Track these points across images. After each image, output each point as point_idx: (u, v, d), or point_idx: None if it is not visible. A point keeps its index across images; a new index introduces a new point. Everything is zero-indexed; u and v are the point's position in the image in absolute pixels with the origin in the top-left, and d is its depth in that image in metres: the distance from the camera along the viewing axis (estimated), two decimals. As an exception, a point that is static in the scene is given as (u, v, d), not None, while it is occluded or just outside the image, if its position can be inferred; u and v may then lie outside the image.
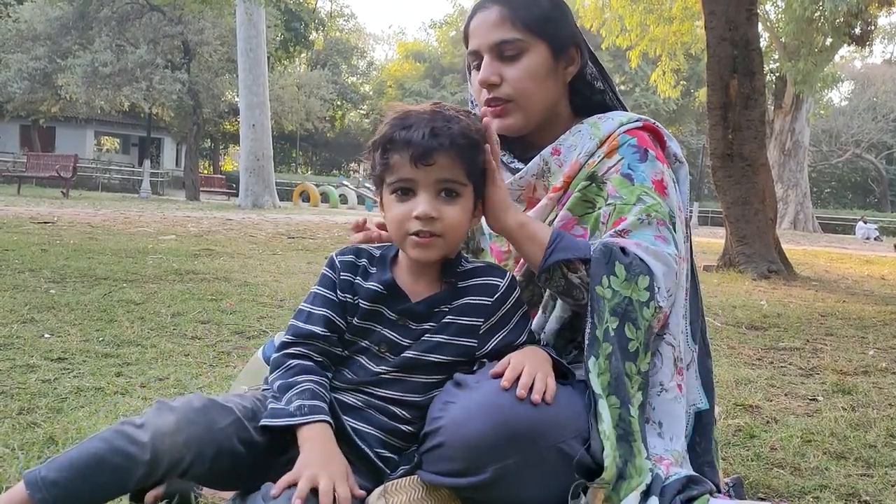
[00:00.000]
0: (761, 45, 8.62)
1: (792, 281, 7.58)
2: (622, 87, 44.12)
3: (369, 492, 1.34)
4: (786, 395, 2.81)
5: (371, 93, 50.39)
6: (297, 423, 1.30)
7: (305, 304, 1.45)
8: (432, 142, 1.31)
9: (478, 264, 1.49)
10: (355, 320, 1.44)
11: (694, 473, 1.39)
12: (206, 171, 36.91)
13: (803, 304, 5.67)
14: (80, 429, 1.82)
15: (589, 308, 1.37)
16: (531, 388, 1.29)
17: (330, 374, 1.44)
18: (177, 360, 2.74)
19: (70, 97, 24.28)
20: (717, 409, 1.66)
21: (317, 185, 28.37)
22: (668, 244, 1.42)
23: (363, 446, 1.38)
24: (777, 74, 22.91)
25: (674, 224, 1.47)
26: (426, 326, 1.42)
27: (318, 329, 1.41)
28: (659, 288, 1.38)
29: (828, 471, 1.93)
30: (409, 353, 1.41)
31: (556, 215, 1.53)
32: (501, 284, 1.44)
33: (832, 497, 1.75)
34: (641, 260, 1.38)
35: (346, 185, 30.04)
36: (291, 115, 30.29)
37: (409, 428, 1.43)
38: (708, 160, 9.34)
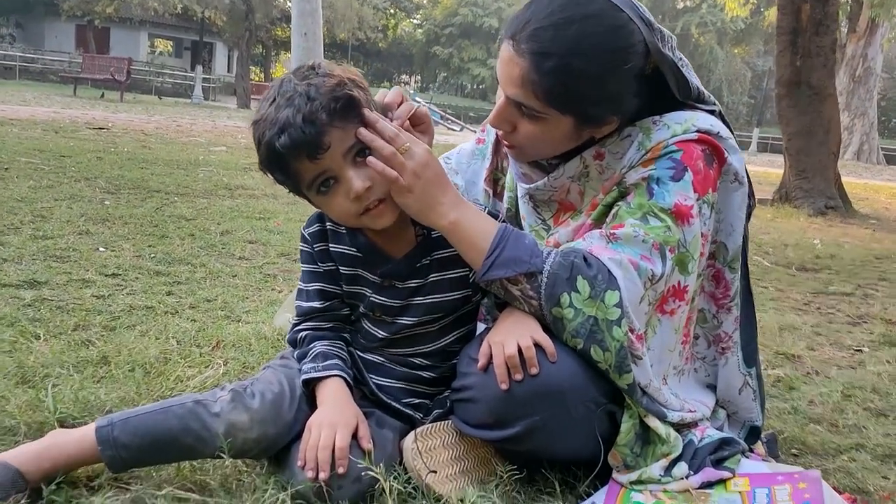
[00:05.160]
0: (839, -35, 8.11)
1: (849, 218, 7.36)
2: (688, 3, 42.14)
3: (405, 435, 1.39)
4: (831, 344, 2.77)
5: (425, 1, 49.18)
6: (308, 378, 1.36)
7: (301, 284, 1.47)
8: (312, 129, 1.19)
9: None
10: (343, 286, 1.44)
11: (728, 435, 1.39)
12: (257, 79, 36.86)
13: (859, 245, 5.52)
14: (131, 351, 1.89)
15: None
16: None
17: (346, 334, 1.48)
18: (224, 281, 2.81)
19: (125, -3, 24.24)
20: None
21: (367, 96, 28.07)
22: (652, 265, 1.26)
23: (389, 400, 1.42)
24: (853, -4, 21.57)
25: (685, 255, 1.30)
26: (412, 284, 1.41)
27: (315, 303, 1.44)
28: (627, 309, 1.23)
29: (866, 429, 1.91)
30: (405, 320, 1.42)
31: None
32: None
33: (868, 458, 1.74)
34: (609, 273, 1.23)
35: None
36: (344, 24, 29.83)
37: (431, 374, 1.46)
38: (773, 84, 8.98)
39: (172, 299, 2.49)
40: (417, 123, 1.42)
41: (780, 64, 7.73)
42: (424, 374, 1.46)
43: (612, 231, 1.29)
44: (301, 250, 1.47)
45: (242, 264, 3.12)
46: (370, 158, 1.25)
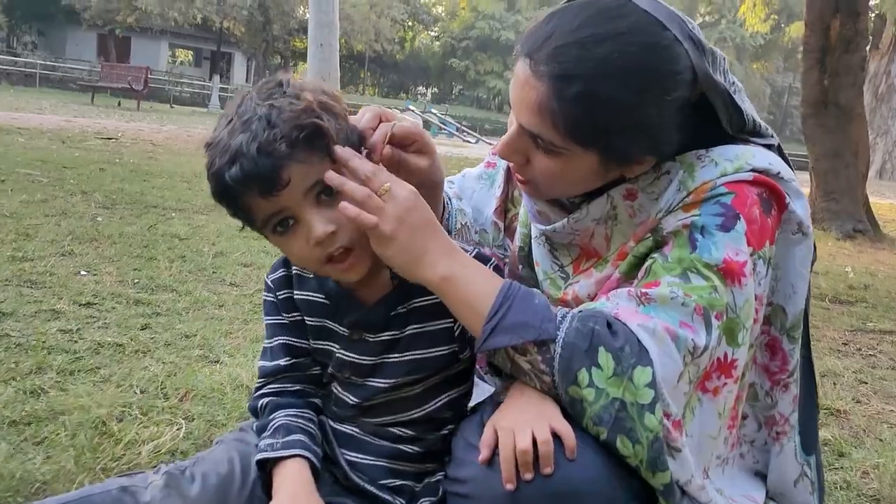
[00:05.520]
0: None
1: (878, 242, 7.06)
2: (706, 18, 41.75)
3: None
4: (876, 393, 2.49)
5: (444, 14, 49.27)
6: (263, 458, 1.10)
7: (265, 341, 1.25)
8: (267, 161, 0.97)
9: None
10: (311, 341, 1.21)
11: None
12: (275, 89, 36.81)
13: (892, 274, 5.22)
14: (84, 404, 1.65)
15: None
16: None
17: (317, 399, 1.24)
18: (209, 312, 2.57)
19: (144, 7, 24.30)
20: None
21: (383, 108, 28.17)
22: (694, 334, 1.01)
23: (363, 483, 1.17)
24: (876, 13, 21.23)
25: (734, 322, 1.05)
26: (385, 337, 1.16)
27: (281, 361, 1.21)
28: (661, 390, 0.98)
29: (932, 512, 1.64)
30: (379, 382, 1.18)
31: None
32: None
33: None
34: (640, 344, 0.99)
35: (412, 110, 29.71)
36: (361, 35, 29.79)
37: (416, 448, 1.21)
38: (793, 101, 8.70)
39: (147, 335, 2.25)
40: (407, 144, 1.18)
41: (807, 83, 7.44)
42: (408, 448, 1.21)
43: (644, 291, 1.04)
44: (264, 300, 1.24)
45: (232, 292, 2.89)
46: (343, 203, 1.01)
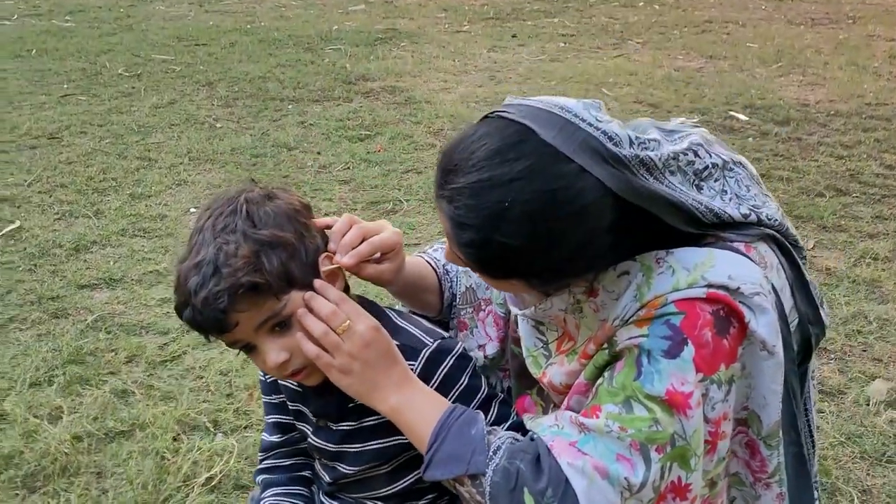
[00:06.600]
0: None
1: None
2: None
3: None
4: None
5: None
6: None
7: (265, 415, 1.33)
8: (212, 314, 1.02)
9: (402, 326, 1.19)
10: (295, 422, 1.28)
11: None
12: None
13: None
14: (158, 415, 1.83)
15: None
16: None
17: (308, 472, 1.33)
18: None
19: None
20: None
21: None
22: (630, 469, 0.97)
23: None
24: None
25: (684, 450, 0.99)
26: (344, 427, 1.20)
27: (274, 438, 1.31)
28: None
29: None
30: (343, 467, 1.22)
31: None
32: (420, 357, 1.15)
33: None
34: (566, 484, 0.97)
35: None
36: None
37: None
38: None
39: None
40: (385, 251, 1.18)
41: None
42: None
43: (582, 421, 1.02)
44: (259, 378, 1.33)
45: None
46: (300, 336, 1.07)
